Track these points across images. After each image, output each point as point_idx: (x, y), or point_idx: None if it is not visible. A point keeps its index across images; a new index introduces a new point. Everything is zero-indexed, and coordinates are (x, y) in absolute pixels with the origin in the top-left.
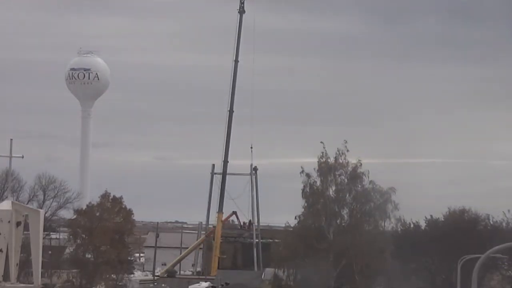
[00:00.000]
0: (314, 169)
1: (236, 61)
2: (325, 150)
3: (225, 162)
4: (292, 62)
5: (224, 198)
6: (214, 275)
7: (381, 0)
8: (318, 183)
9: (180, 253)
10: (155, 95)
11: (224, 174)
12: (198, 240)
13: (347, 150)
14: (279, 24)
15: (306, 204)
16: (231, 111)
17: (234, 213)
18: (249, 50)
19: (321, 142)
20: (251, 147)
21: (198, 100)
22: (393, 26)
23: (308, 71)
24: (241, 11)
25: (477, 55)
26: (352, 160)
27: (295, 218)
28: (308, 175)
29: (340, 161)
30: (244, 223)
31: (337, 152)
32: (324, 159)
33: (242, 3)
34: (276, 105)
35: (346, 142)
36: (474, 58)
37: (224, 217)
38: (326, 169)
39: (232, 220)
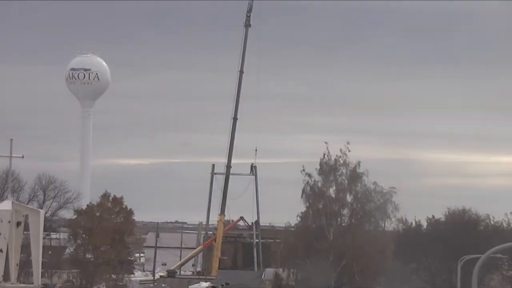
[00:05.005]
0: (316, 169)
1: (241, 71)
2: (328, 151)
3: (228, 167)
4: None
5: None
6: (215, 275)
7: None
8: (320, 183)
9: (180, 253)
10: (155, 95)
11: (227, 178)
12: (211, 239)
13: (349, 151)
14: None
15: (307, 204)
16: (235, 119)
17: (242, 218)
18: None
19: (325, 143)
20: (256, 150)
21: (198, 100)
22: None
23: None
24: (247, 24)
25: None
26: (353, 160)
27: (297, 217)
28: (309, 175)
29: (341, 161)
30: (252, 223)
31: (338, 154)
32: (326, 159)
33: (248, 16)
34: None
35: (348, 143)
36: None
37: (227, 218)
38: (327, 169)
39: (240, 225)
